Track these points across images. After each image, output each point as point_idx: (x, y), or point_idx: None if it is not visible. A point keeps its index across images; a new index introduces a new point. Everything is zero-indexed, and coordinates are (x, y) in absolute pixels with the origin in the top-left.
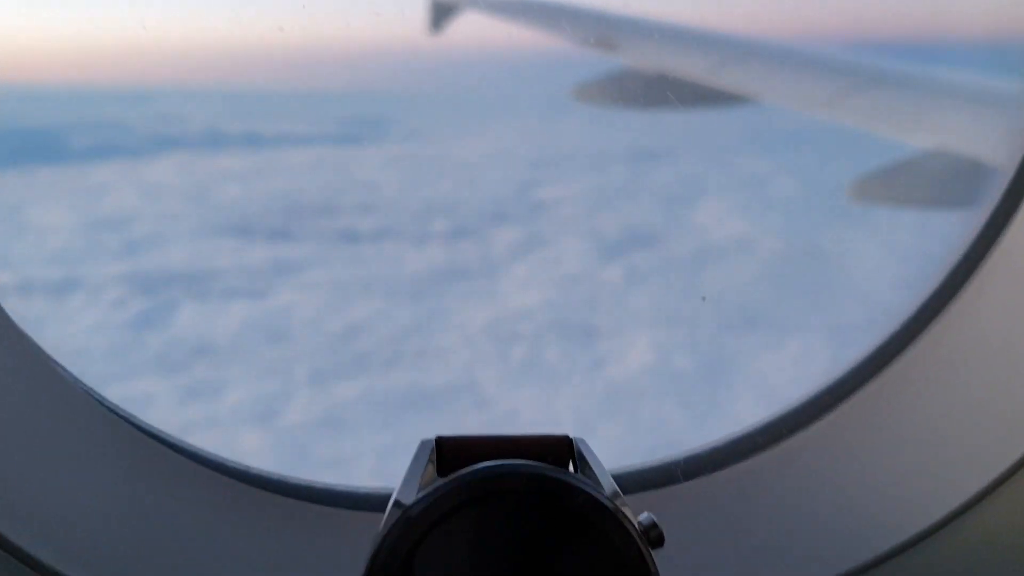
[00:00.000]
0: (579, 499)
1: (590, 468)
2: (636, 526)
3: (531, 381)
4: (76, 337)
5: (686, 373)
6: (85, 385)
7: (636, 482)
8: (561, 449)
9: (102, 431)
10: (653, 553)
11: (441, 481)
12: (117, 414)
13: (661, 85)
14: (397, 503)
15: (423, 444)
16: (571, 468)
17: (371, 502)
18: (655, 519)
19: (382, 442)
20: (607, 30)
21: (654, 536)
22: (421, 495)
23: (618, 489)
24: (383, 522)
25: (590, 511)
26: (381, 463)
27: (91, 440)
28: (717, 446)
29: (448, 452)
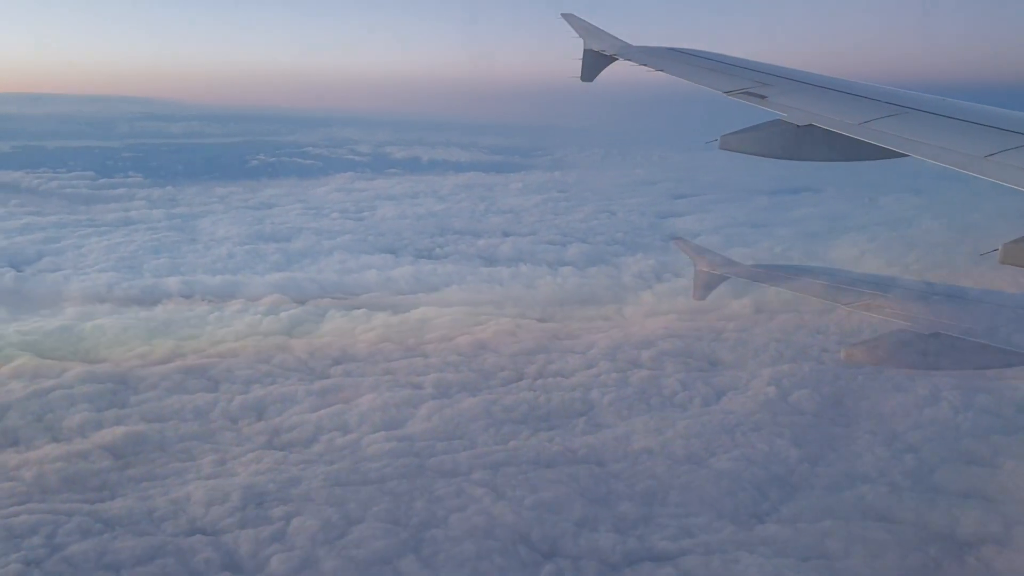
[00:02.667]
0: None
1: None
2: None
3: (647, 408)
4: (230, 339)
5: (805, 410)
6: None
7: None
8: None
9: None
10: None
11: None
12: None
13: (809, 136)
14: None
15: None
16: None
17: None
18: None
19: (495, 459)
20: (756, 81)
21: None
22: None
23: None
24: None
25: None
26: (489, 475)
27: None
28: None
29: None
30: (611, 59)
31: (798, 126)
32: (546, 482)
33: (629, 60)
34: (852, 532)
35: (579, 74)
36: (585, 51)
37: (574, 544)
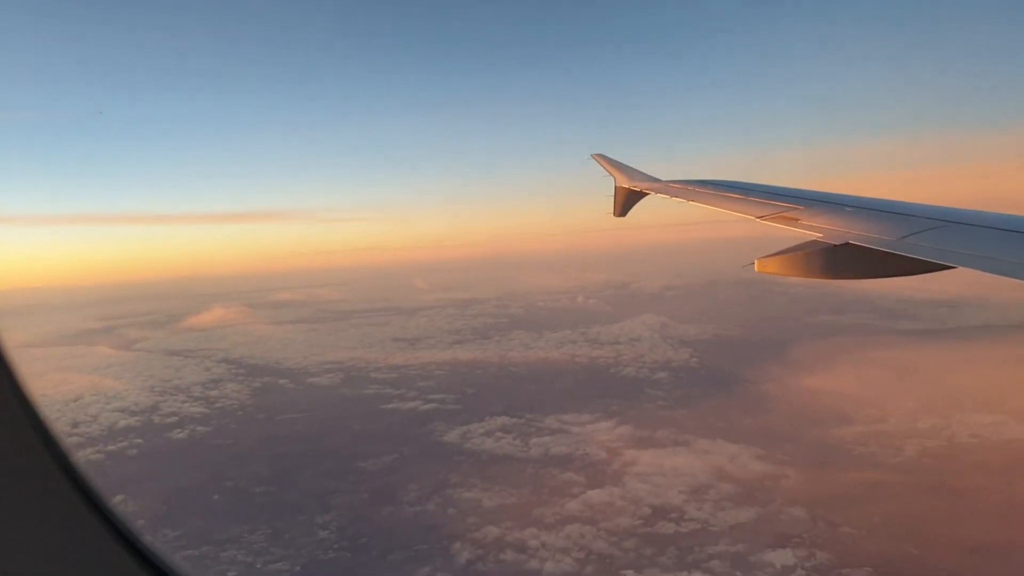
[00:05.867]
0: None
1: None
2: None
3: None
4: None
5: None
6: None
7: None
8: None
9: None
10: None
11: None
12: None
13: (846, 255)
14: None
15: None
16: None
17: None
18: None
19: None
20: (787, 205)
21: None
22: None
23: None
24: None
25: None
26: None
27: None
28: None
29: None
30: (642, 194)
31: (835, 245)
32: None
33: (661, 194)
34: None
35: (611, 210)
36: (616, 188)
37: None
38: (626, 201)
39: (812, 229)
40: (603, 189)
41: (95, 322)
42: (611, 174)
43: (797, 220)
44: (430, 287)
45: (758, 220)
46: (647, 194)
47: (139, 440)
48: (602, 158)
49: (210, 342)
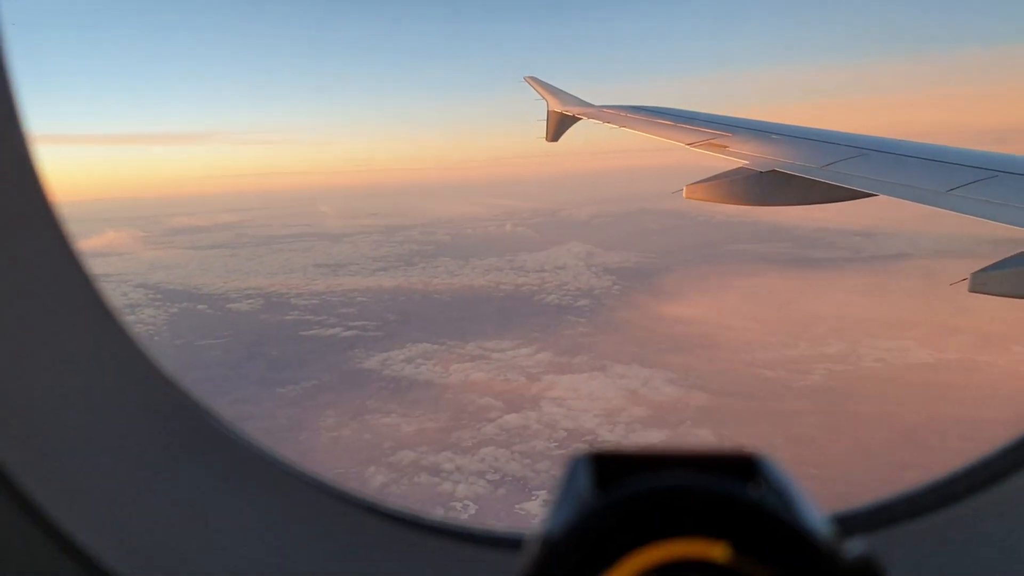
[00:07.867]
0: (773, 525)
1: (781, 493)
2: (848, 561)
3: None
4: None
5: None
6: (216, 416)
7: (854, 522)
8: (741, 468)
9: (234, 459)
10: None
11: (591, 500)
12: (249, 444)
13: (773, 181)
14: (545, 534)
15: (576, 462)
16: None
17: (508, 541)
18: (871, 554)
19: None
20: (717, 132)
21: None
22: (568, 517)
23: (819, 519)
24: (527, 553)
25: (786, 540)
26: None
27: (225, 470)
28: (937, 486)
29: (609, 470)
30: (575, 119)
31: (761, 172)
32: None
33: (593, 119)
34: None
35: (544, 135)
36: (549, 112)
37: None
38: (559, 126)
39: (740, 156)
40: (536, 113)
41: None
42: (544, 98)
43: (726, 147)
44: (336, 212)
45: (688, 147)
46: (580, 119)
47: None
48: (535, 81)
49: (123, 267)
